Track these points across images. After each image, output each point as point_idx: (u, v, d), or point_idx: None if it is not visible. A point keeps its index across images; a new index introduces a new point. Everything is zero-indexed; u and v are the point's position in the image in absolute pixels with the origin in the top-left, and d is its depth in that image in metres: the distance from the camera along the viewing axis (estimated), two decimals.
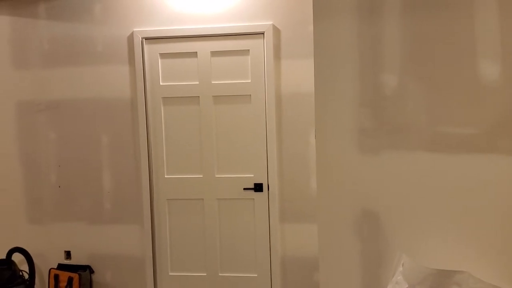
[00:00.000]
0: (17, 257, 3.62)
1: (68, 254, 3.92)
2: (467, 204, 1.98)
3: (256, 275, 3.76)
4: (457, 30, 1.98)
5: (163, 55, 3.74)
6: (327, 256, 2.29)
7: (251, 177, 3.72)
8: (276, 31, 3.59)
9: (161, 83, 3.76)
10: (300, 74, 3.59)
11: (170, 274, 3.86)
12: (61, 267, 3.82)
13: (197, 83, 3.71)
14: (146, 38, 3.72)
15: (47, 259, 3.92)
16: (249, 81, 3.66)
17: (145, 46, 3.74)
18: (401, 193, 2.07)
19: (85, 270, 3.78)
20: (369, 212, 2.15)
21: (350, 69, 2.16)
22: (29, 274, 3.58)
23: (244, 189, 3.72)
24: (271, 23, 3.58)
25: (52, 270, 3.77)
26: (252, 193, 3.72)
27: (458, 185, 1.99)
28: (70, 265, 3.83)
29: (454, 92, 2.00)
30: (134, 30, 3.71)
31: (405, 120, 2.05)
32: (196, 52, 3.69)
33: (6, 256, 3.49)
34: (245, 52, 3.65)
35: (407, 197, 2.06)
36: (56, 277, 3.71)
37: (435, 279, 1.80)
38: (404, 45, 2.04)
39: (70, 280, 3.65)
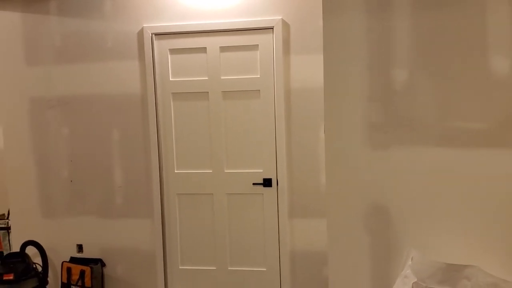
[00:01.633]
0: (30, 250, 3.67)
1: (80, 248, 3.97)
2: (477, 199, 1.99)
3: (265, 269, 3.78)
4: (468, 24, 1.97)
5: (173, 51, 3.76)
6: (336, 250, 2.31)
7: (260, 172, 3.73)
8: (286, 26, 3.59)
9: (170, 79, 3.78)
10: (310, 69, 3.59)
11: (180, 267, 3.89)
12: (73, 260, 3.87)
13: (206, 78, 3.73)
14: (156, 34, 3.74)
15: (60, 252, 3.97)
16: (258, 76, 3.67)
17: (155, 42, 3.76)
18: (411, 188, 2.07)
19: (96, 263, 3.83)
20: (379, 206, 2.16)
21: (359, 64, 2.17)
22: (42, 267, 3.64)
23: (253, 184, 3.74)
24: (280, 17, 3.59)
25: (64, 263, 3.83)
26: (261, 188, 3.74)
27: (468, 180, 2.00)
28: (82, 258, 3.89)
29: (464, 87, 2.00)
30: (144, 26, 3.73)
31: (415, 115, 2.05)
32: (205, 47, 3.71)
33: (20, 249, 3.54)
34: (254, 47, 3.66)
35: (417, 192, 2.07)
36: (69, 270, 3.76)
37: (444, 273, 1.81)
38: (414, 39, 2.04)
39: (82, 273, 3.70)
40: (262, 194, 3.75)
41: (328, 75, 2.31)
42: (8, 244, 4.06)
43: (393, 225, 2.13)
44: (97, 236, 3.94)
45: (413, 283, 1.74)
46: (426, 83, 2.05)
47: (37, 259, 3.72)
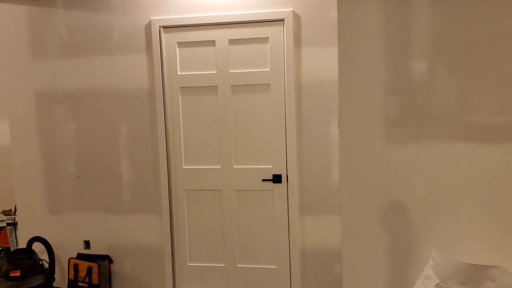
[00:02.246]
0: (37, 247, 3.63)
1: (87, 244, 3.92)
2: (501, 196, 1.90)
3: (275, 267, 3.71)
4: (491, 13, 1.88)
5: (181, 44, 3.69)
6: (350, 248, 2.23)
7: (269, 168, 3.66)
8: (296, 17, 3.51)
9: (178, 73, 3.71)
10: (321, 62, 3.51)
11: (188, 264, 3.83)
12: (80, 256, 3.82)
13: (215, 72, 3.65)
14: (164, 27, 3.67)
15: (67, 248, 3.92)
16: (268, 69, 3.59)
17: (163, 35, 3.68)
18: (431, 184, 1.99)
19: (104, 259, 3.77)
20: (397, 204, 2.08)
21: (376, 55, 2.08)
22: (49, 264, 3.59)
23: (263, 180, 3.66)
24: (291, 9, 3.50)
25: (71, 259, 3.78)
26: (270, 184, 3.66)
27: (491, 177, 1.91)
28: (89, 254, 3.84)
29: (487, 79, 1.91)
30: (152, 18, 3.66)
31: (435, 109, 1.96)
32: (214, 40, 3.63)
33: (27, 246, 3.50)
34: (264, 40, 3.58)
35: (437, 189, 1.99)
36: (76, 266, 3.71)
37: (467, 274, 1.73)
38: (435, 29, 1.95)
39: (89, 270, 3.65)
40: (272, 190, 3.67)
41: (343, 67, 2.22)
42: (15, 240, 4.02)
43: (411, 224, 2.05)
44: (104, 232, 3.89)
45: (435, 284, 1.66)
46: (447, 75, 1.96)
47: (43, 256, 3.67)
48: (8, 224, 4.08)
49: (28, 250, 3.44)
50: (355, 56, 2.16)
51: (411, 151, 2.02)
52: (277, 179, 3.64)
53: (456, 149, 1.95)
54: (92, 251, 3.89)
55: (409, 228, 2.06)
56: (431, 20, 1.95)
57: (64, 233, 3.92)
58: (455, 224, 1.96)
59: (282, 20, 3.52)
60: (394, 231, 2.12)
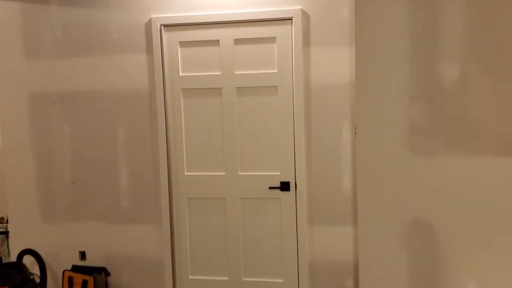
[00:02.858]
0: (28, 259, 3.42)
1: (83, 255, 3.72)
2: None
3: (282, 281, 3.50)
4: None
5: (183, 44, 3.48)
6: (368, 266, 2.02)
7: (277, 175, 3.44)
8: (305, 16, 3.29)
9: (180, 74, 3.50)
10: (332, 63, 3.30)
11: (190, 277, 3.62)
12: (75, 268, 3.62)
13: (219, 73, 3.44)
14: (165, 25, 3.46)
15: (61, 259, 3.72)
16: (276, 71, 3.38)
17: (164, 34, 3.47)
18: (462, 203, 1.77)
19: (100, 272, 3.57)
20: (421, 221, 1.87)
21: (399, 57, 1.87)
22: (40, 278, 3.39)
23: (270, 188, 3.45)
24: (299, 7, 3.29)
25: (66, 272, 3.57)
26: (278, 192, 3.45)
27: None
28: (84, 266, 3.63)
29: None
30: (152, 16, 3.45)
31: (468, 118, 1.75)
32: (218, 40, 3.42)
33: (17, 259, 3.29)
34: (271, 39, 3.37)
35: (469, 207, 1.77)
36: (70, 279, 3.50)
37: None
38: (468, 28, 1.73)
39: (84, 283, 3.44)
40: (279, 198, 3.46)
41: (361, 70, 2.00)
42: (6, 250, 3.81)
43: (439, 247, 1.84)
44: (101, 242, 3.68)
45: None
46: (482, 80, 1.74)
47: (35, 269, 3.46)
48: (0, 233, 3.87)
49: (18, 264, 3.23)
50: (375, 57, 1.95)
51: (440, 164, 1.80)
52: (285, 186, 3.43)
53: (492, 163, 1.73)
54: (88, 262, 3.68)
55: (435, 251, 1.85)
56: (465, 17, 1.73)
57: (58, 243, 3.72)
58: (490, 250, 1.74)
59: (290, 19, 3.31)
60: (418, 252, 1.90)
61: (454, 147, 1.78)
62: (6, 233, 3.81)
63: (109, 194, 3.65)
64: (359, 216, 2.00)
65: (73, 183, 3.68)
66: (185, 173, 3.57)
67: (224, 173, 3.52)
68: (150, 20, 3.46)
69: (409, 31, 1.82)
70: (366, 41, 1.96)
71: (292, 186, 3.43)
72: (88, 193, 3.67)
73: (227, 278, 3.57)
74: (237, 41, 3.40)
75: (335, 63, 3.29)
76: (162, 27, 3.46)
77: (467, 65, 1.74)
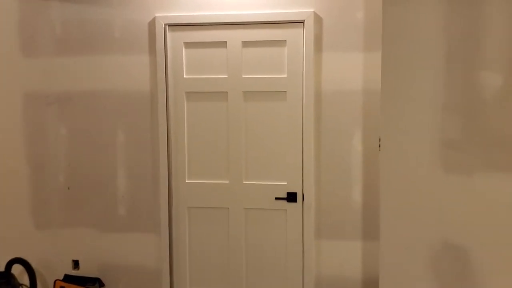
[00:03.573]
0: (17, 268, 3.22)
1: (76, 264, 3.52)
2: None
3: None
4: None
5: (188, 45, 3.31)
6: None
7: (284, 185, 3.28)
8: (318, 19, 3.14)
9: (185, 76, 3.33)
10: (345, 69, 3.15)
11: None
12: (67, 278, 3.42)
13: (226, 76, 3.28)
14: (170, 25, 3.29)
15: (53, 268, 3.52)
16: (285, 76, 3.22)
17: (168, 34, 3.31)
18: (500, 226, 1.61)
19: (94, 283, 3.38)
20: (453, 245, 1.70)
21: (432, 64, 1.71)
22: None
23: (276, 198, 3.28)
24: (312, 10, 3.13)
25: (57, 281, 3.38)
26: (284, 203, 3.28)
27: None
28: (77, 276, 3.44)
29: None
30: (156, 15, 3.28)
31: (509, 132, 1.59)
32: (226, 41, 3.26)
33: (5, 268, 3.09)
34: (282, 43, 3.21)
35: (507, 232, 1.61)
36: None
37: None
38: None
39: None
40: (286, 210, 3.29)
41: (387, 76, 1.84)
42: None
43: (470, 272, 1.67)
44: (95, 251, 3.49)
45: None
46: None
47: (25, 278, 3.27)
48: None
49: (7, 274, 3.03)
50: (403, 63, 1.79)
51: (475, 183, 1.64)
52: (292, 197, 3.26)
53: None
54: (81, 272, 3.49)
55: (466, 277, 1.68)
56: (508, 21, 1.58)
57: (51, 251, 3.52)
58: None
59: (302, 21, 3.15)
60: (446, 278, 1.74)
61: (491, 165, 1.61)
62: None
63: (106, 200, 3.46)
64: (381, 238, 1.84)
65: (68, 188, 3.49)
66: (187, 181, 3.39)
67: (228, 182, 3.35)
68: (154, 19, 3.30)
69: (445, 35, 1.66)
70: (393, 45, 1.80)
71: (299, 197, 3.27)
72: (84, 198, 3.49)
73: None
74: (246, 44, 3.24)
75: (348, 69, 3.14)
76: (167, 26, 3.30)
77: (510, 75, 1.58)
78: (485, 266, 1.63)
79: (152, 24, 3.31)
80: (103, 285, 3.45)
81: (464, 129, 1.64)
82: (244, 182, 3.32)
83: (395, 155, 1.79)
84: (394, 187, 1.79)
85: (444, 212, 1.69)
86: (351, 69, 3.14)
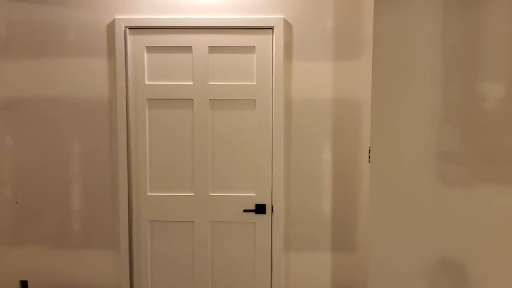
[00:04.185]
0: None
1: (24, 285, 3.23)
2: None
3: None
4: None
5: (150, 49, 3.13)
6: None
7: (252, 197, 3.16)
8: (288, 26, 3.06)
9: (146, 82, 3.14)
10: (315, 77, 3.09)
11: None
12: None
13: (191, 83, 3.12)
14: (130, 28, 3.10)
15: None
16: (254, 83, 3.11)
17: (129, 37, 3.11)
18: (502, 242, 1.58)
19: None
20: (450, 262, 1.65)
21: (429, 73, 1.66)
22: None
23: (244, 210, 3.16)
24: (282, 16, 3.05)
25: None
26: (253, 215, 3.17)
27: None
28: None
29: None
30: (116, 17, 3.08)
31: (510, 144, 1.57)
32: (191, 46, 3.10)
33: None
34: (250, 49, 3.10)
35: (508, 247, 1.58)
36: None
37: None
38: None
39: None
40: (254, 222, 3.18)
41: (378, 85, 1.79)
42: None
43: None
44: (47, 270, 3.21)
45: None
46: None
47: None
48: None
49: None
50: (395, 72, 1.73)
51: (477, 196, 1.60)
52: (260, 209, 3.15)
53: None
54: None
55: None
56: (510, 30, 1.56)
57: None
58: None
59: (271, 28, 3.06)
60: None
61: (491, 178, 1.58)
62: None
63: (59, 215, 3.20)
64: (370, 256, 1.77)
65: (16, 203, 3.19)
66: (148, 193, 3.20)
67: (192, 194, 3.18)
68: (113, 21, 3.09)
69: (442, 43, 1.61)
70: (385, 54, 1.75)
71: (268, 209, 3.16)
72: (33, 213, 3.20)
73: None
74: (212, 49, 3.11)
75: (319, 78, 3.09)
76: (127, 29, 3.10)
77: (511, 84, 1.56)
78: (484, 283, 1.59)
79: (111, 26, 3.10)
80: None
81: (464, 140, 1.61)
82: (210, 194, 3.18)
83: (387, 168, 1.73)
84: (384, 201, 1.73)
85: (440, 226, 1.65)
86: (321, 78, 3.09)
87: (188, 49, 3.11)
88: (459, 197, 1.61)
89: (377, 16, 1.74)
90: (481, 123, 1.58)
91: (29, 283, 3.23)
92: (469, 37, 1.58)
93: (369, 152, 1.76)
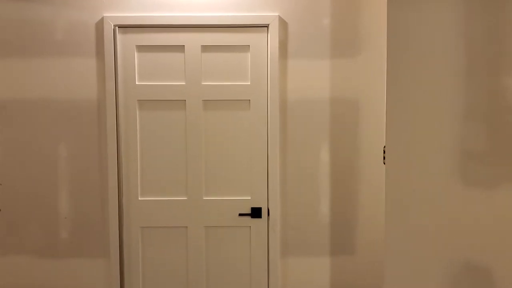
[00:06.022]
0: None
1: None
2: None
3: None
4: None
5: (141, 48, 3.02)
6: None
7: (247, 200, 3.06)
8: (283, 24, 2.99)
9: (137, 82, 3.03)
10: (311, 77, 3.02)
11: None
12: None
13: (184, 83, 3.02)
14: (120, 26, 2.99)
15: None
16: (248, 83, 3.02)
17: (118, 36, 3.00)
18: None
19: None
20: (475, 268, 1.57)
21: (450, 68, 1.58)
22: None
23: (239, 214, 3.05)
24: (277, 14, 2.98)
25: None
26: (248, 219, 3.07)
27: None
28: None
29: None
30: (105, 15, 2.97)
31: None
32: (183, 45, 3.01)
33: None
34: (245, 48, 3.01)
35: None
36: None
37: None
38: None
39: None
40: (250, 226, 3.07)
41: (393, 80, 1.70)
42: None
43: None
44: (33, 281, 3.07)
45: None
46: None
47: None
48: None
49: None
50: (413, 66, 1.66)
51: (503, 197, 1.51)
52: (256, 213, 3.05)
53: None
54: None
55: None
56: None
57: None
58: None
59: (266, 26, 2.98)
60: None
61: None
62: None
63: (45, 223, 3.05)
64: (385, 261, 1.68)
65: None
66: (139, 198, 3.08)
67: (186, 198, 3.07)
68: (102, 20, 2.98)
69: (465, 36, 1.54)
70: (402, 49, 1.67)
71: (264, 213, 3.06)
72: (18, 221, 3.05)
73: None
74: (205, 48, 3.01)
75: (315, 77, 3.01)
76: (117, 28, 2.99)
77: None
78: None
79: (100, 25, 2.99)
80: None
81: (489, 138, 1.53)
82: (204, 198, 3.07)
83: (404, 168, 1.65)
84: (402, 203, 1.64)
85: (464, 229, 1.56)
86: (318, 77, 3.02)
87: (180, 48, 3.01)
88: (484, 198, 1.53)
89: (391, 4, 1.66)
90: (507, 119, 1.50)
91: None
92: (494, 29, 1.51)
93: (384, 152, 1.67)
